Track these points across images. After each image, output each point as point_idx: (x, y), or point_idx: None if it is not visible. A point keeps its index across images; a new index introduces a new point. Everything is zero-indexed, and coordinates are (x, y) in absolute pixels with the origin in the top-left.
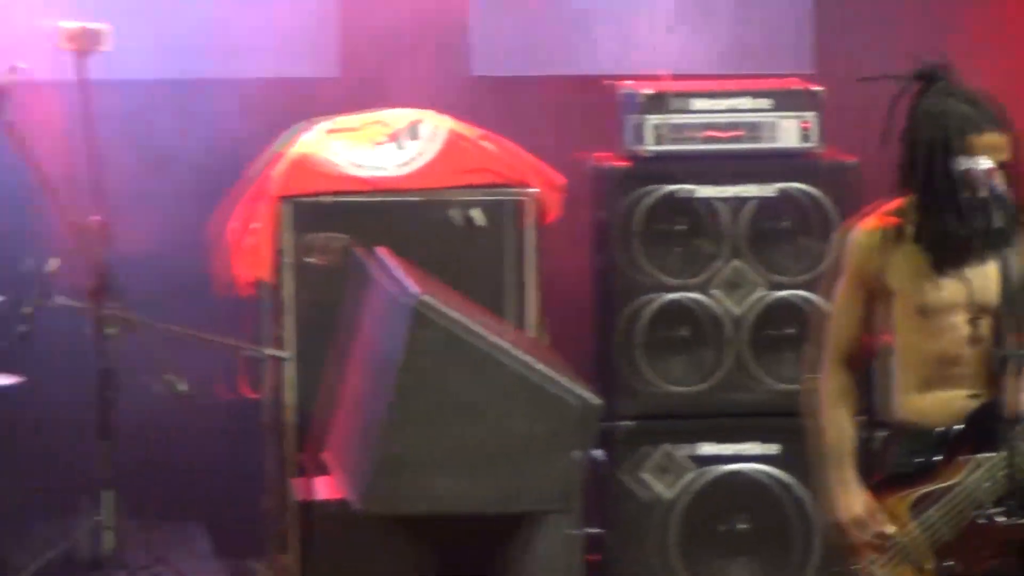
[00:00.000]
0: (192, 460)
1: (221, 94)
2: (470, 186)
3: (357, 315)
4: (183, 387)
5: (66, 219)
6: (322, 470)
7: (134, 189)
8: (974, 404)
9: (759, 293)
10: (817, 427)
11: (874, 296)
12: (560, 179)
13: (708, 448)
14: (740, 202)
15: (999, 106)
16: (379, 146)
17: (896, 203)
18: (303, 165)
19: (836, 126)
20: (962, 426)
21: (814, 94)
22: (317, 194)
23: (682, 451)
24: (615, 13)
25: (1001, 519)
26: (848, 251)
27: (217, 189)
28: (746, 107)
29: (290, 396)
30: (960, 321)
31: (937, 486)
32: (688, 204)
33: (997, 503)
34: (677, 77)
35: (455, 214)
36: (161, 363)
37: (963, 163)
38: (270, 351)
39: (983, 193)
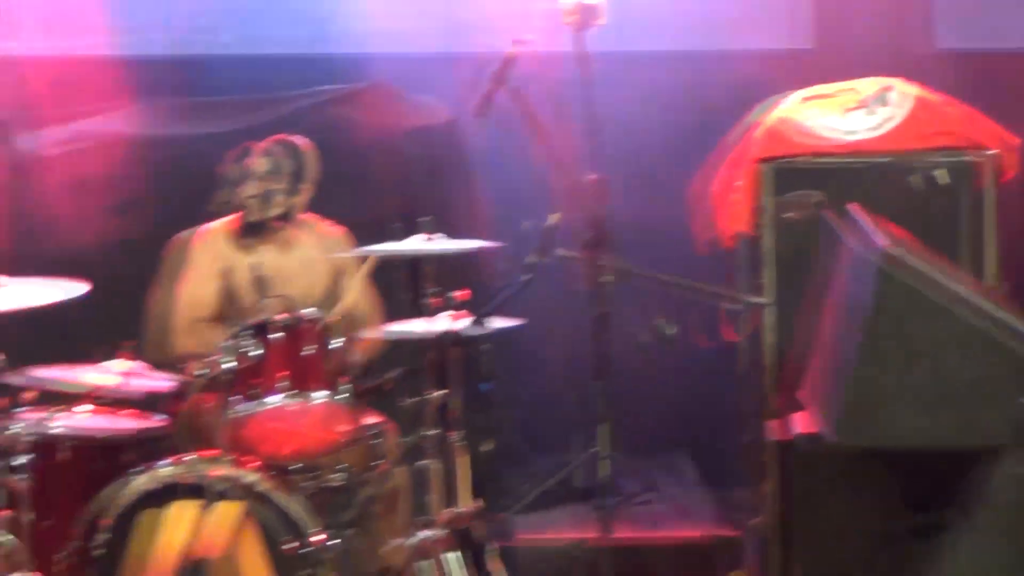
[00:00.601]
0: (679, 397)
1: (704, 66)
2: (933, 148)
3: (830, 267)
4: (672, 331)
5: (565, 178)
6: (797, 407)
7: (627, 150)
8: None
9: None
10: None
11: None
12: (1016, 140)
13: None
14: None
15: None
16: (850, 112)
17: None
18: (780, 130)
19: None
20: None
21: None
22: (793, 156)
23: None
24: None
25: None
26: None
27: (698, 153)
28: None
29: (768, 339)
30: None
31: None
32: None
33: None
34: None
35: (916, 179)
36: (652, 309)
37: None
38: (751, 298)
39: None
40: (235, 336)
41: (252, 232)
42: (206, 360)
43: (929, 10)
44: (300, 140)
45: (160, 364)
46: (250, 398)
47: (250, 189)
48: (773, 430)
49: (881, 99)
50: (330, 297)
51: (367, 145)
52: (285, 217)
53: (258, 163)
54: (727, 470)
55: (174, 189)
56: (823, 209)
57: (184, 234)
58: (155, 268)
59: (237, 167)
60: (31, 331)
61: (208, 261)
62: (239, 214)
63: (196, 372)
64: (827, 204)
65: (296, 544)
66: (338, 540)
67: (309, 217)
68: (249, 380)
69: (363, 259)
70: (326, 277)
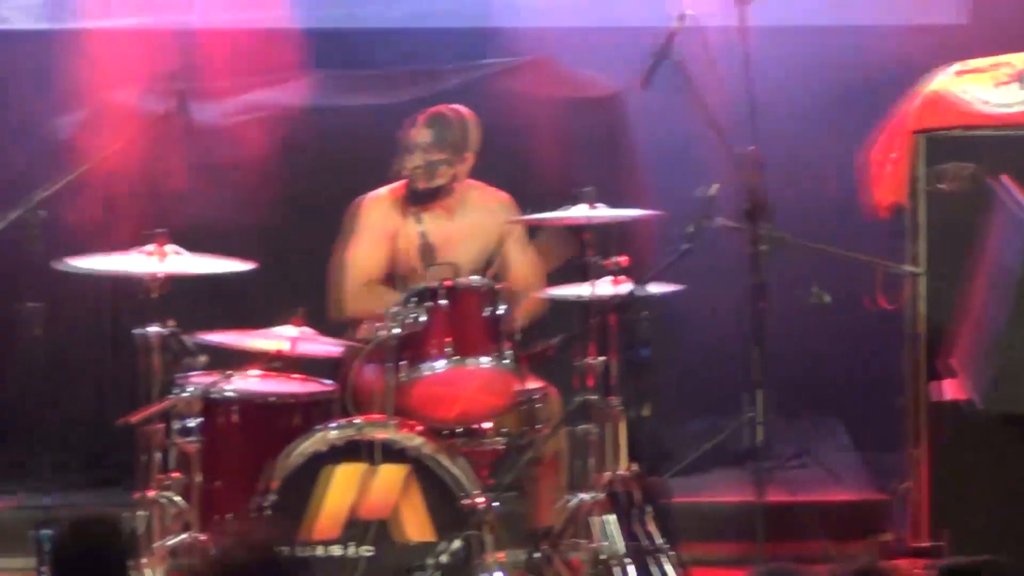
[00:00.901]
0: (833, 363)
1: (860, 40)
2: None
3: (984, 234)
4: (828, 299)
5: (726, 149)
6: (950, 373)
7: (784, 123)
8: None
9: None
10: None
11: None
12: None
13: None
14: None
15: None
16: (1002, 85)
17: None
18: (935, 102)
19: None
20: None
21: None
22: (947, 128)
23: None
24: None
25: None
26: None
27: (853, 126)
28: None
29: (922, 308)
30: None
31: None
32: None
33: None
34: None
35: None
36: (807, 278)
37: None
38: (905, 267)
39: None
40: (402, 303)
41: (417, 200)
42: (375, 325)
43: None
44: (462, 110)
45: (338, 325)
46: (415, 363)
47: (414, 160)
48: (926, 396)
49: None
50: (495, 263)
51: (531, 117)
52: (449, 185)
53: (421, 134)
54: (877, 435)
55: (344, 160)
56: (978, 180)
57: (360, 197)
58: (325, 236)
59: (403, 136)
60: (204, 297)
61: (376, 226)
62: (404, 181)
63: (363, 338)
64: (980, 176)
65: (459, 505)
66: (499, 502)
67: (475, 184)
68: (415, 346)
69: (527, 227)
70: (492, 243)
